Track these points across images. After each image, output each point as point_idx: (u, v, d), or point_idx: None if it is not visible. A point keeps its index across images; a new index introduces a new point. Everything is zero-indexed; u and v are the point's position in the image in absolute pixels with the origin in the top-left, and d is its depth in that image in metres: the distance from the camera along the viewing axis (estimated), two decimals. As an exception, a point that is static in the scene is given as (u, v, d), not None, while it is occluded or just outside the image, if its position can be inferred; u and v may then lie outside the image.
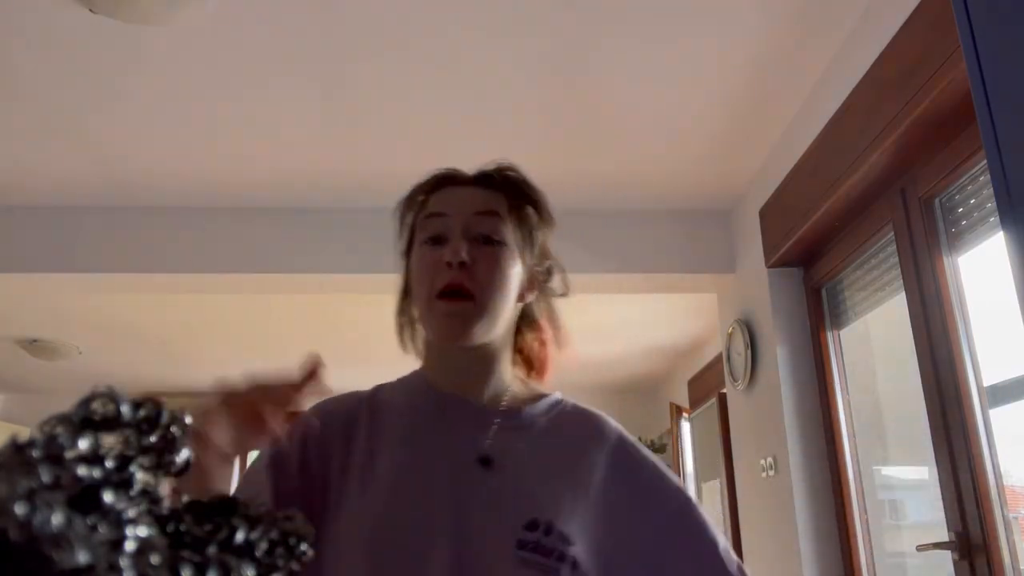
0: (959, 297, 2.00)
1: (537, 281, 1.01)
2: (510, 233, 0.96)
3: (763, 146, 2.85)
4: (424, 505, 0.86)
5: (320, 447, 0.91)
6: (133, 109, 2.53)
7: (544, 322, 1.04)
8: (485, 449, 0.90)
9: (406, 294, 1.02)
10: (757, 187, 3.01)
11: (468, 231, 0.94)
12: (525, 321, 1.02)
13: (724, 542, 0.92)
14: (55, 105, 2.50)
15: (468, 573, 0.81)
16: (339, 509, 0.86)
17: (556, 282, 1.04)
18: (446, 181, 1.03)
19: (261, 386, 0.79)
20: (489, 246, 0.93)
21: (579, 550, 0.85)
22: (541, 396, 1.00)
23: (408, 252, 1.02)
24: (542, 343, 1.04)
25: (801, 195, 2.57)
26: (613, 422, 1.00)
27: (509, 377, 0.99)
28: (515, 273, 0.95)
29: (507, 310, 0.95)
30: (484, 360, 0.96)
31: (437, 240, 0.94)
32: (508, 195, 1.00)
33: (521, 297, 0.98)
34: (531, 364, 1.04)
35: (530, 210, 1.01)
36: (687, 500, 0.94)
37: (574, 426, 0.97)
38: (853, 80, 2.19)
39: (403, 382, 1.02)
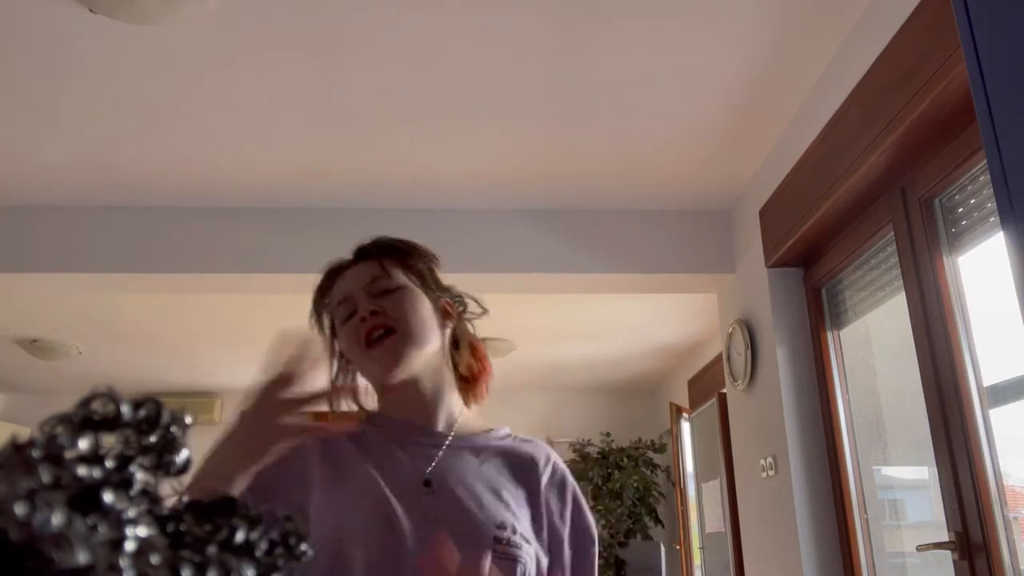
0: (959, 297, 2.00)
1: (452, 310, 1.15)
2: (403, 279, 1.10)
3: (763, 146, 2.85)
4: (380, 525, 0.95)
5: (287, 485, 0.99)
6: (133, 109, 2.53)
7: (472, 339, 1.17)
8: (427, 474, 1.02)
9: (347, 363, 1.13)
10: (757, 187, 3.01)
11: (370, 295, 1.07)
12: (456, 346, 1.15)
13: None
14: (54, 105, 2.50)
15: (452, 567, 0.93)
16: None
17: (472, 306, 1.19)
18: (336, 272, 1.15)
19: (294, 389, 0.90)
20: (390, 294, 1.08)
21: (534, 549, 1.00)
22: (492, 429, 1.13)
23: (333, 332, 1.13)
24: (476, 357, 1.17)
25: (801, 195, 2.57)
26: (554, 453, 1.13)
27: (459, 408, 1.11)
28: (424, 306, 1.09)
29: (431, 336, 1.08)
30: (431, 391, 1.08)
31: (351, 316, 1.07)
32: (387, 255, 1.13)
33: (442, 325, 1.12)
34: (470, 378, 1.16)
35: (411, 258, 1.14)
36: (592, 540, 1.08)
37: (522, 452, 1.10)
38: (853, 80, 2.19)
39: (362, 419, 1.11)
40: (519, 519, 1.00)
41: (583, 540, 1.07)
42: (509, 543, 0.96)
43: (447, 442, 1.06)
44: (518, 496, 1.04)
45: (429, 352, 1.07)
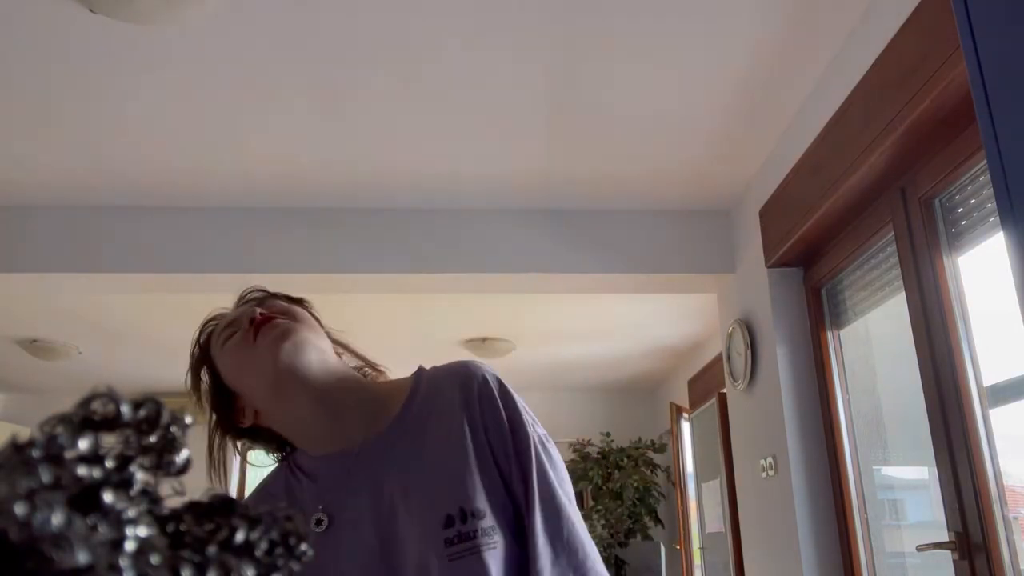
0: (959, 297, 2.00)
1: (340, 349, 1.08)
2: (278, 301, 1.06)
3: (763, 146, 2.85)
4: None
5: None
6: (133, 109, 2.53)
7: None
8: (324, 511, 0.94)
9: (226, 412, 1.04)
10: (757, 187, 3.01)
11: (251, 312, 1.00)
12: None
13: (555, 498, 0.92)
14: (55, 105, 2.50)
15: None
16: None
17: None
18: (212, 326, 1.07)
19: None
20: (277, 304, 1.04)
21: (489, 518, 0.88)
22: (404, 387, 1.01)
23: (213, 384, 1.04)
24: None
25: (801, 195, 2.57)
26: (475, 368, 1.00)
27: (373, 392, 1.02)
28: (312, 321, 1.03)
29: (317, 328, 1.02)
30: (342, 392, 0.98)
31: (234, 335, 0.99)
32: (260, 297, 1.08)
33: (339, 353, 1.05)
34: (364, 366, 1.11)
35: (289, 300, 1.09)
36: (522, 439, 0.95)
37: (444, 396, 0.98)
38: (853, 80, 2.20)
39: (289, 470, 1.03)
40: (468, 490, 0.89)
41: (518, 445, 0.93)
42: (460, 536, 0.86)
43: (368, 447, 0.95)
44: (457, 453, 0.92)
45: (323, 339, 1.00)
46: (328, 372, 0.97)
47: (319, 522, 0.92)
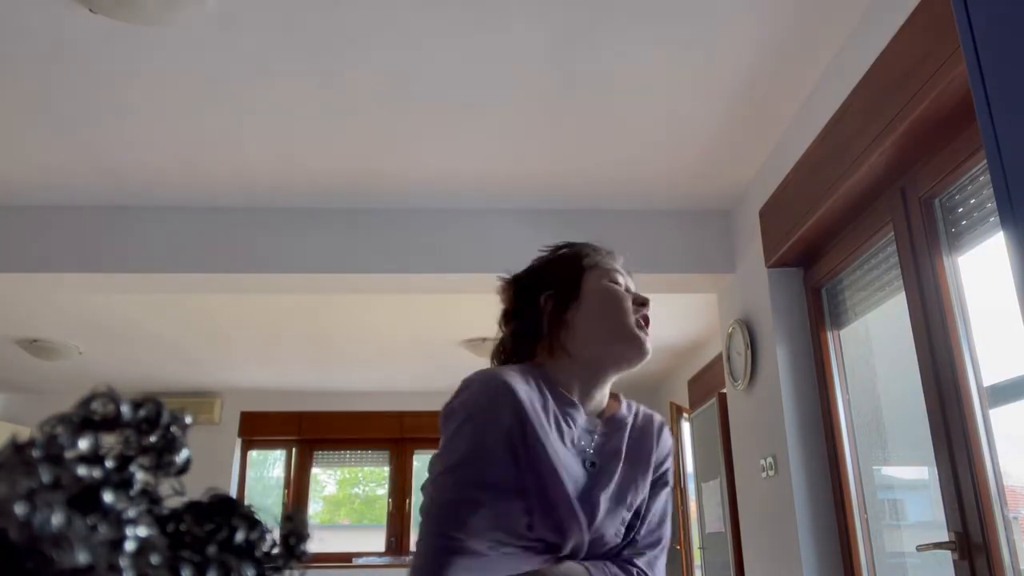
0: (959, 297, 2.00)
1: None
2: None
3: (763, 146, 2.85)
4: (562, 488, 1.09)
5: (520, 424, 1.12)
6: (133, 109, 2.53)
7: None
8: (592, 455, 1.16)
9: (562, 305, 1.24)
10: (757, 187, 3.01)
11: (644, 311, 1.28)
12: None
13: None
14: (55, 105, 2.50)
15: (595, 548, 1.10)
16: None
17: None
18: (607, 254, 1.34)
19: None
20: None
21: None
22: (620, 401, 1.27)
23: (564, 293, 1.24)
24: None
25: (801, 195, 2.57)
26: (667, 432, 1.27)
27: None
28: None
29: None
30: (606, 384, 1.25)
31: (622, 288, 1.27)
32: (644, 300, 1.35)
33: None
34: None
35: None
36: (662, 538, 1.21)
37: (646, 425, 1.25)
38: (853, 80, 2.19)
39: (544, 379, 1.19)
40: (640, 496, 1.18)
41: (657, 536, 1.20)
42: (631, 527, 1.15)
43: (600, 430, 1.20)
44: (643, 471, 1.20)
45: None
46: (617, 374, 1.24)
47: (593, 464, 1.14)
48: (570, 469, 1.10)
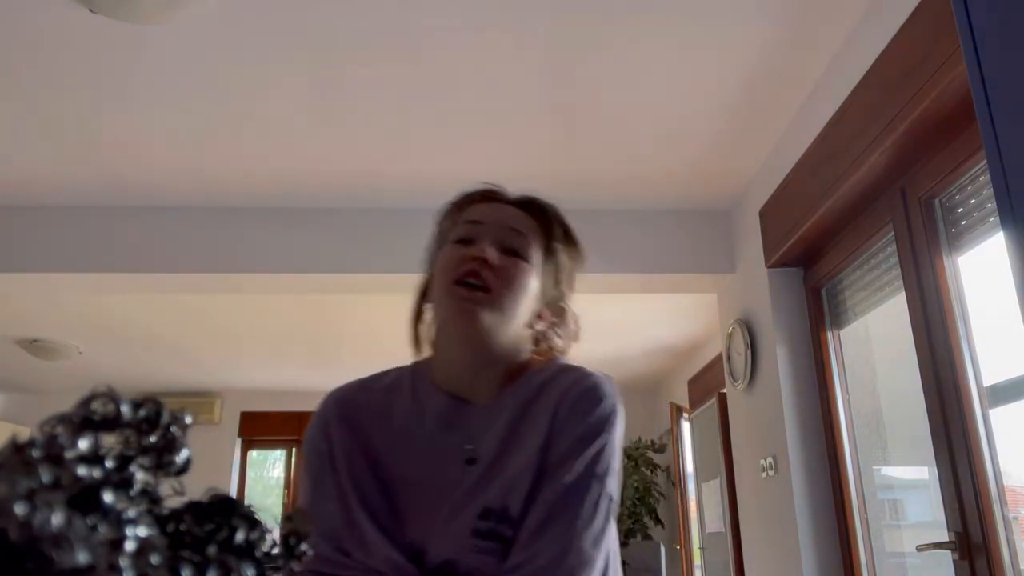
0: (959, 297, 2.00)
1: (547, 314, 1.04)
2: (536, 256, 1.01)
3: (763, 146, 2.85)
4: (423, 499, 0.92)
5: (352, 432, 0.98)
6: (133, 109, 2.53)
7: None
8: (469, 452, 0.95)
9: (426, 291, 1.06)
10: (757, 187, 3.01)
11: (498, 241, 0.98)
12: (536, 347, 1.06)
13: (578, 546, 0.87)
14: (55, 105, 2.50)
15: (433, 559, 0.89)
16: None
17: (571, 324, 1.11)
18: (490, 196, 1.07)
19: None
20: (514, 257, 0.98)
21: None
22: (530, 367, 1.02)
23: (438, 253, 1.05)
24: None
25: (801, 195, 2.57)
26: (589, 381, 0.99)
27: (512, 364, 1.01)
28: (531, 289, 0.99)
29: (517, 317, 0.98)
30: (488, 363, 0.99)
31: (467, 241, 0.99)
32: (544, 226, 1.04)
33: (531, 323, 1.02)
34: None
35: (560, 247, 1.06)
36: (574, 488, 0.90)
37: (550, 394, 0.98)
38: (853, 80, 2.19)
39: (415, 373, 1.04)
40: (520, 490, 0.90)
41: (565, 481, 0.90)
42: (490, 533, 0.88)
43: (479, 420, 0.97)
44: (530, 449, 0.93)
45: (509, 328, 0.97)
46: (492, 348, 0.97)
47: (471, 460, 0.94)
48: (434, 479, 0.93)
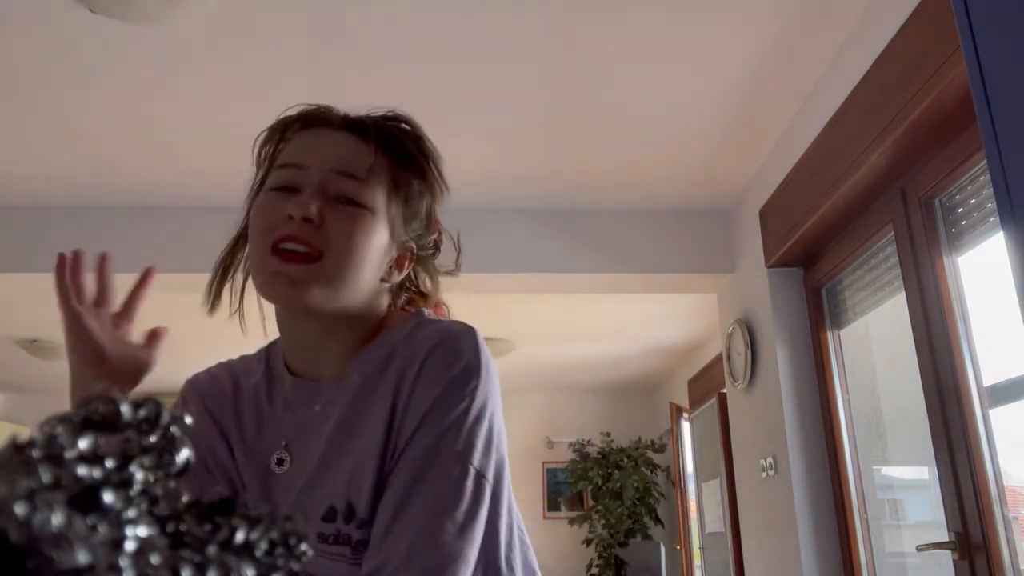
0: (959, 297, 2.00)
1: (410, 256, 0.88)
2: (380, 198, 0.81)
3: (763, 146, 2.85)
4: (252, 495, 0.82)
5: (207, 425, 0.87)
6: (133, 108, 2.53)
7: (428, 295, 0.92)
8: (282, 451, 0.82)
9: (240, 243, 0.90)
10: (757, 187, 3.01)
11: (325, 188, 0.79)
12: (402, 299, 0.91)
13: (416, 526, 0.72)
14: (55, 105, 2.50)
15: None
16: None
17: (437, 262, 0.93)
18: (315, 121, 0.85)
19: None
20: (349, 207, 0.79)
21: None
22: (387, 327, 0.85)
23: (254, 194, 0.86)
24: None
25: (801, 195, 2.57)
26: (442, 335, 0.80)
27: (367, 329, 0.85)
28: (377, 243, 0.81)
29: (363, 283, 0.80)
30: (331, 335, 0.83)
31: (286, 190, 0.80)
32: (387, 154, 0.84)
33: (388, 275, 0.85)
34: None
35: (414, 180, 0.86)
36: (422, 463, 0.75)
37: (400, 358, 0.80)
38: (853, 80, 2.19)
39: (270, 353, 0.92)
40: (366, 483, 0.76)
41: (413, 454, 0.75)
42: (338, 537, 0.75)
43: (312, 406, 0.83)
44: (377, 430, 0.77)
45: (353, 297, 0.80)
46: (329, 311, 0.80)
47: (280, 461, 0.81)
48: (266, 480, 0.82)
